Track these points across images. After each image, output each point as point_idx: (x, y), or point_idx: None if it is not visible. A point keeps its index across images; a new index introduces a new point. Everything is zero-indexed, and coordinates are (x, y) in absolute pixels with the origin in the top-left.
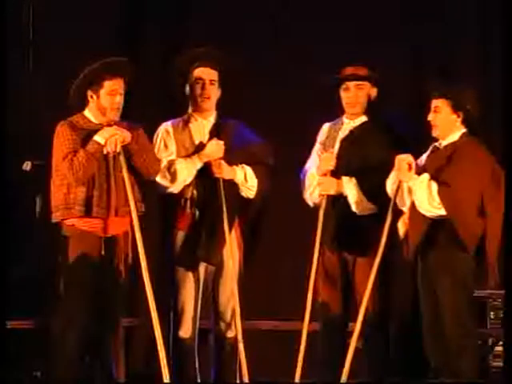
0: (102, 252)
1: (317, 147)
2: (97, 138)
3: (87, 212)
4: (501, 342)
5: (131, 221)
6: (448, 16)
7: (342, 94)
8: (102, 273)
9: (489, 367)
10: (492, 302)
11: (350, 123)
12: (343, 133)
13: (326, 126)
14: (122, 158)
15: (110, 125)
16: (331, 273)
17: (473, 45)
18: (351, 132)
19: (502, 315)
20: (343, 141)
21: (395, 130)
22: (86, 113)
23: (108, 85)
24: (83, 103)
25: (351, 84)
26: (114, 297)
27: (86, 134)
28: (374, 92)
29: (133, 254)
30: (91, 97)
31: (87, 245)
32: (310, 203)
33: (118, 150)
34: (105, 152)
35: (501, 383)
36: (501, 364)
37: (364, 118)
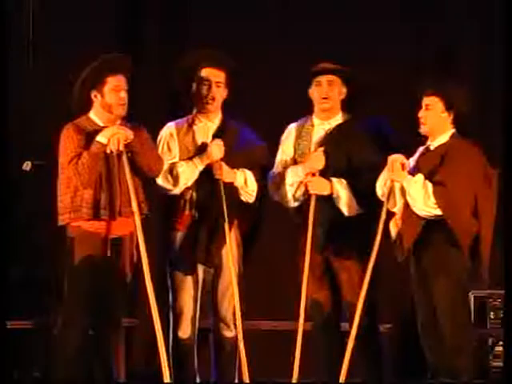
0: (108, 253)
1: (286, 149)
2: (99, 138)
3: (95, 215)
4: (501, 342)
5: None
6: (448, 15)
7: (315, 89)
8: (106, 274)
9: (489, 367)
10: (492, 302)
11: (323, 124)
12: (318, 134)
13: (292, 128)
14: (124, 158)
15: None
16: (318, 273)
17: (473, 45)
18: (329, 133)
19: (501, 315)
20: (322, 143)
21: (376, 130)
22: (91, 115)
23: (111, 81)
24: (87, 105)
25: (323, 79)
26: (117, 297)
27: (91, 137)
28: (343, 90)
29: (138, 255)
30: (95, 96)
31: (93, 246)
32: (290, 203)
33: (120, 149)
34: (108, 151)
35: (501, 383)
36: (501, 364)
37: (339, 119)
